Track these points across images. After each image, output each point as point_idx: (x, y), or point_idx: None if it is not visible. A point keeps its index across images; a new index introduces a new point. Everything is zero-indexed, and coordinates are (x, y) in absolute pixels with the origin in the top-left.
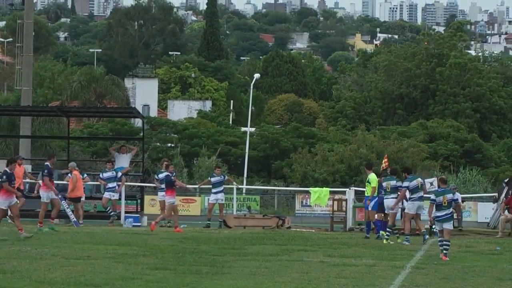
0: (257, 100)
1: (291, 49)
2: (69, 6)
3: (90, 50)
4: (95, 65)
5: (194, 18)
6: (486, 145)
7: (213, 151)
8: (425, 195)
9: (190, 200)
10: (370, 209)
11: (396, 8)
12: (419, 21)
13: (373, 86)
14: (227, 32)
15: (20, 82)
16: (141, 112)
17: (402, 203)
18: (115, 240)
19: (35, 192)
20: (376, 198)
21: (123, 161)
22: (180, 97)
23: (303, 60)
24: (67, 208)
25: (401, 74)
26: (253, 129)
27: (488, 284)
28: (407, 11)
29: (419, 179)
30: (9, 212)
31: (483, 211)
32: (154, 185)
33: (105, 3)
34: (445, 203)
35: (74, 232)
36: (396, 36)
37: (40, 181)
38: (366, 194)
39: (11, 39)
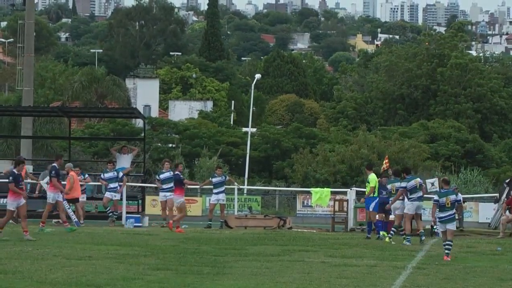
0: (258, 100)
1: (292, 50)
2: (70, 7)
3: (91, 50)
4: (96, 65)
5: (195, 18)
6: (487, 146)
7: (214, 152)
8: (425, 196)
9: (191, 200)
10: (371, 209)
11: (397, 9)
12: (420, 21)
13: (374, 87)
14: (228, 32)
15: (21, 83)
16: (142, 112)
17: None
18: (117, 241)
19: (36, 192)
20: (377, 199)
21: (124, 161)
22: (181, 98)
23: (304, 61)
24: (69, 208)
25: (402, 75)
26: (254, 130)
27: (489, 284)
28: (408, 12)
29: (418, 179)
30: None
31: (484, 212)
32: (155, 185)
33: (106, 4)
34: (448, 204)
35: (76, 233)
36: (397, 37)
37: (41, 181)
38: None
39: (12, 39)
